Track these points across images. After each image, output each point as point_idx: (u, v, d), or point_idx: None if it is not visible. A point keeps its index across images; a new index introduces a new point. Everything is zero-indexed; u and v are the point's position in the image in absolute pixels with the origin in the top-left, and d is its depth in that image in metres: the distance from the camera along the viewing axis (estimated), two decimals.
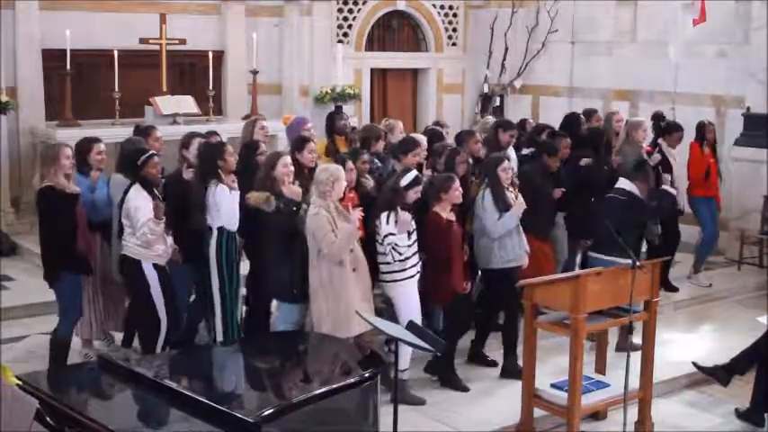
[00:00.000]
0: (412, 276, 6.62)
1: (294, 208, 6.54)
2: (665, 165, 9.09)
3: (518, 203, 7.09)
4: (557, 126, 9.31)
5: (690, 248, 10.04)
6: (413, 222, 6.57)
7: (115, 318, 7.22)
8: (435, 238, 6.80)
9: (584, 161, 8.39)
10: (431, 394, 6.86)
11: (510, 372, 7.17)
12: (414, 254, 6.62)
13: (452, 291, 6.87)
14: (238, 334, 6.83)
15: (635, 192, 7.43)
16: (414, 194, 6.61)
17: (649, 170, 7.77)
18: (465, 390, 6.97)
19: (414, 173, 6.76)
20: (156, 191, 6.55)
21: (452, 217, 6.91)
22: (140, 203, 6.38)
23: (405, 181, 6.61)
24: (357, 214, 6.22)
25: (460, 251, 6.99)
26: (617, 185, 7.54)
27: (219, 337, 6.70)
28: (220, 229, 6.64)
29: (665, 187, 7.63)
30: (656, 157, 8.91)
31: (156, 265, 6.48)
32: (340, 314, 6.20)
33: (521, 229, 7.23)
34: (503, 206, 7.09)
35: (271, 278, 6.67)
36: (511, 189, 7.24)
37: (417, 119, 13.74)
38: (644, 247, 8.53)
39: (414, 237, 6.61)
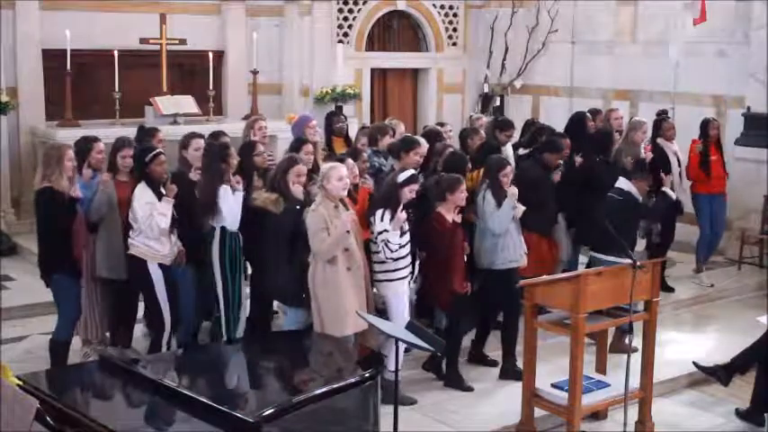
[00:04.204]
0: (404, 277, 6.61)
1: (298, 208, 6.54)
2: (665, 164, 9.08)
3: (511, 193, 7.03)
4: (559, 126, 9.35)
5: (691, 248, 10.06)
6: (406, 223, 6.55)
7: (108, 318, 7.22)
8: (437, 240, 6.79)
9: (578, 160, 8.40)
10: (431, 394, 6.87)
11: (509, 372, 7.18)
12: (407, 254, 6.59)
13: (452, 292, 6.87)
14: (246, 333, 6.85)
15: (632, 191, 7.46)
16: (409, 192, 6.57)
17: (647, 170, 7.77)
18: (469, 389, 6.97)
19: (410, 171, 6.75)
20: (161, 188, 6.57)
21: (457, 218, 6.92)
22: (145, 201, 6.44)
23: (401, 178, 6.61)
24: (349, 216, 6.19)
25: (461, 252, 6.99)
26: (616, 185, 7.56)
27: (224, 337, 6.74)
28: (223, 229, 6.68)
29: (665, 189, 7.64)
30: (648, 155, 8.86)
31: (161, 265, 6.51)
32: (331, 313, 6.18)
33: (520, 230, 7.23)
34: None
35: (275, 280, 6.64)
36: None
37: (417, 119, 13.74)
38: (642, 246, 8.53)
39: (407, 237, 6.58)
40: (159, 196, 6.51)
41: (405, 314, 6.54)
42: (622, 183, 7.53)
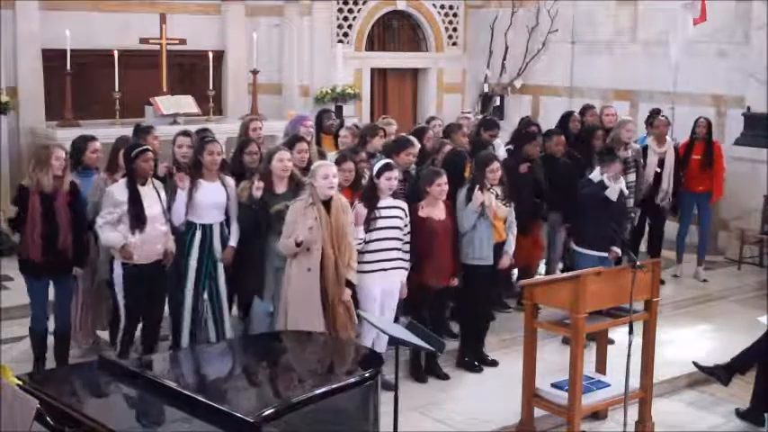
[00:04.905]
0: (371, 271, 6.58)
1: (254, 204, 6.59)
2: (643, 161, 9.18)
3: (475, 196, 6.99)
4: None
5: (692, 248, 10.06)
6: (378, 221, 6.57)
7: (101, 318, 7.23)
8: (413, 233, 6.82)
9: (523, 167, 8.12)
10: (431, 394, 6.87)
11: (463, 361, 7.32)
12: (376, 250, 6.58)
13: (418, 284, 6.89)
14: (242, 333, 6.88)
15: (595, 179, 7.63)
16: (386, 181, 6.58)
17: (614, 156, 7.83)
18: (424, 380, 7.03)
19: (385, 160, 6.78)
20: (152, 185, 6.53)
21: (439, 213, 6.92)
22: (115, 199, 6.36)
23: (375, 168, 6.62)
24: (306, 227, 6.09)
25: (440, 249, 6.94)
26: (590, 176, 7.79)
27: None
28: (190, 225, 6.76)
29: (603, 178, 7.58)
30: (626, 153, 8.84)
31: (125, 265, 6.42)
32: (291, 310, 6.22)
33: (491, 230, 7.15)
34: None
35: (240, 271, 6.79)
36: (495, 190, 7.19)
37: (417, 119, 13.73)
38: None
39: (380, 233, 6.58)
40: (135, 195, 6.38)
41: (371, 308, 6.52)
42: (594, 172, 7.69)
